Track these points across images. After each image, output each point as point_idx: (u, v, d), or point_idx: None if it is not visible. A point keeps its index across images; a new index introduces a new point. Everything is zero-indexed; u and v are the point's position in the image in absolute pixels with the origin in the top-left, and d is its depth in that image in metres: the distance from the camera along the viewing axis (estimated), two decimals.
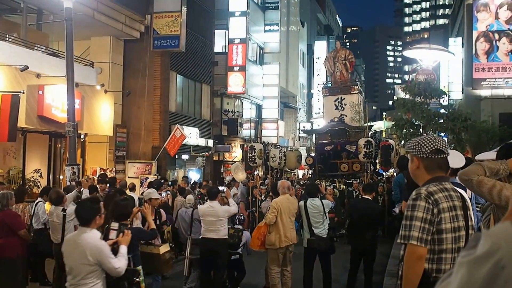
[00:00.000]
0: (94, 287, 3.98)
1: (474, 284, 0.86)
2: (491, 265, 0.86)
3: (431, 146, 2.72)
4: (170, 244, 10.00)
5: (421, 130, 17.82)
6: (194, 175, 20.06)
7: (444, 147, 2.76)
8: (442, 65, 31.50)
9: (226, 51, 24.13)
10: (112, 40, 17.14)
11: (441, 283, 0.94)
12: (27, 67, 11.12)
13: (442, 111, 18.84)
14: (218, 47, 23.82)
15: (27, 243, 6.92)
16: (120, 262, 4.11)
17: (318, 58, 40.00)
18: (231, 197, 7.98)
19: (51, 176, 13.97)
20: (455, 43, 30.76)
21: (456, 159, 5.78)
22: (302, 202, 7.74)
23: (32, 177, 13.16)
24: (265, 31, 29.02)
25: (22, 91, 10.79)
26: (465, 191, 3.87)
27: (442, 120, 18.01)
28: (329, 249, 7.63)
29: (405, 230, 2.64)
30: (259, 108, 28.72)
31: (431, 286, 2.50)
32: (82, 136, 14.40)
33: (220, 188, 10.34)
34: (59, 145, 14.25)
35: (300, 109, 37.33)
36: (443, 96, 20.08)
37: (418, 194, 2.65)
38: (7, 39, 11.73)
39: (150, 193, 7.89)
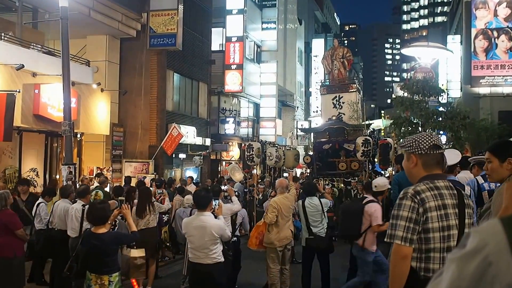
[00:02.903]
0: (219, 251, 5.31)
1: (464, 279, 0.90)
2: (479, 261, 0.89)
3: (429, 141, 2.69)
4: (167, 244, 9.93)
5: (419, 128, 17.78)
6: (192, 174, 19.97)
7: (440, 143, 2.74)
8: (440, 63, 31.46)
9: (223, 49, 24.05)
10: (108, 38, 17.05)
11: (434, 281, 0.96)
12: (23, 66, 11.04)
13: (441, 109, 18.84)
14: (215, 46, 23.77)
15: (25, 243, 6.87)
16: (228, 231, 5.57)
17: (316, 56, 39.94)
18: (234, 195, 7.89)
19: (47, 176, 13.89)
20: (454, 41, 30.70)
21: (451, 156, 5.73)
22: (300, 201, 7.67)
23: (29, 176, 13.06)
24: (262, 29, 28.96)
25: (17, 90, 10.73)
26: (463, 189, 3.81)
27: (440, 118, 17.99)
28: (327, 248, 7.56)
29: (391, 229, 2.64)
30: (257, 106, 28.64)
31: (420, 284, 2.47)
32: (78, 135, 14.32)
33: (223, 187, 10.30)
34: (55, 144, 14.16)
35: (298, 107, 37.25)
36: (441, 94, 20.05)
37: (405, 193, 2.63)
38: (2, 37, 11.64)
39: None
